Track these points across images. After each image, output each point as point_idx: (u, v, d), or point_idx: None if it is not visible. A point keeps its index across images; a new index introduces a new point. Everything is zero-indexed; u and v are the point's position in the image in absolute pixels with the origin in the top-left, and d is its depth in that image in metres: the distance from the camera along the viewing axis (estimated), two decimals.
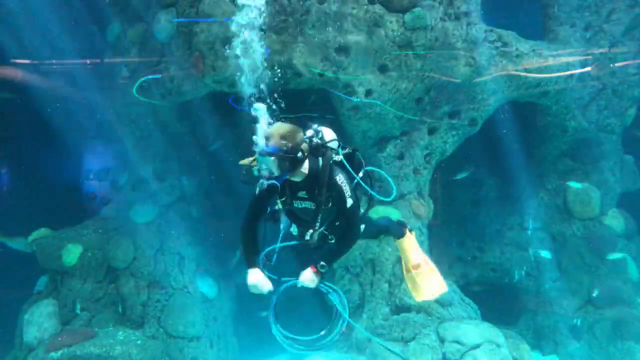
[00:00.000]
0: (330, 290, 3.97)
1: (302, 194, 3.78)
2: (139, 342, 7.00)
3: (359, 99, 6.85)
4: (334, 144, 3.97)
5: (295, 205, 3.85)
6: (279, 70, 6.47)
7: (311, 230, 3.89)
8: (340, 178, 3.75)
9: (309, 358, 7.02)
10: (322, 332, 4.00)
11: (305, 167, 3.68)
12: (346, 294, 7.30)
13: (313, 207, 3.80)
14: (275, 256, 4.19)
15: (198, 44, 6.61)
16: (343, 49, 6.64)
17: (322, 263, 3.83)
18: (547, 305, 8.62)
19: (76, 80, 8.63)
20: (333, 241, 4.05)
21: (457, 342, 6.56)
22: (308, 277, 3.84)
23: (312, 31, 6.52)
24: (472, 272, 9.41)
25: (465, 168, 9.10)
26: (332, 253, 3.96)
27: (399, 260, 7.40)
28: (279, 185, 3.64)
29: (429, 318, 7.03)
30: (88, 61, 8.59)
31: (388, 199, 4.39)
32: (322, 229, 3.93)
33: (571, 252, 8.76)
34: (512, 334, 7.52)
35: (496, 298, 8.98)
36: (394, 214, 7.48)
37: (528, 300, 8.94)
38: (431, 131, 7.71)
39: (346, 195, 3.74)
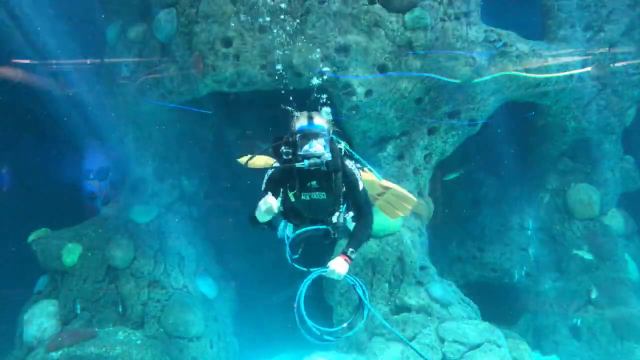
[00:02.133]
0: (356, 283, 3.89)
1: (313, 183, 3.75)
2: (139, 342, 7.00)
3: (359, 99, 6.85)
4: None
5: (303, 197, 3.81)
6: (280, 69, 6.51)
7: (337, 213, 3.86)
8: (350, 162, 3.86)
9: (309, 358, 7.02)
10: (345, 325, 3.96)
11: None
12: (346, 293, 7.30)
13: (323, 197, 3.79)
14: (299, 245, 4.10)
15: (198, 44, 6.61)
16: (343, 49, 6.64)
17: (351, 249, 3.74)
18: (547, 305, 8.61)
19: (76, 80, 8.64)
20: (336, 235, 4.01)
21: (457, 342, 6.56)
22: (339, 265, 3.67)
23: (312, 31, 6.52)
24: (472, 272, 9.41)
25: (455, 169, 9.07)
26: (356, 239, 3.88)
27: (398, 260, 7.41)
28: (324, 165, 3.57)
29: (429, 318, 7.02)
30: (88, 61, 8.60)
31: (379, 177, 4.49)
32: (343, 209, 3.92)
33: (571, 252, 8.76)
34: (512, 334, 7.52)
35: (496, 298, 8.97)
36: None
37: (528, 300, 8.93)
38: (431, 131, 7.70)
39: (358, 178, 3.83)
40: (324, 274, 3.73)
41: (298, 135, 3.65)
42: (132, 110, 7.92)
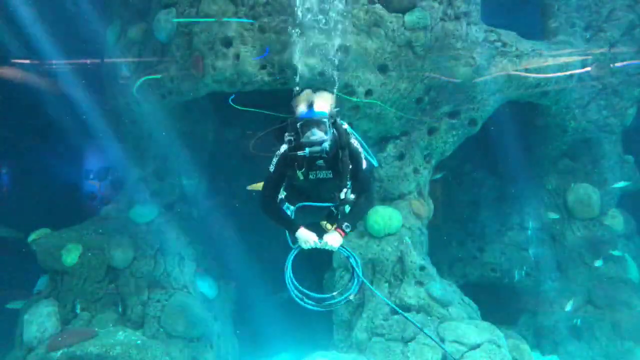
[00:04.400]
0: (350, 254, 4.03)
1: (320, 162, 3.85)
2: (139, 342, 6.99)
3: (359, 99, 6.85)
4: None
5: (311, 177, 3.91)
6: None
7: (345, 189, 4.00)
8: (355, 142, 4.02)
9: (310, 357, 7.02)
10: (335, 293, 4.07)
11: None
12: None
13: (330, 176, 3.90)
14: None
15: (198, 44, 6.61)
16: (343, 49, 6.64)
17: (346, 224, 3.90)
18: (547, 305, 8.61)
19: (76, 80, 8.65)
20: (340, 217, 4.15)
21: (457, 342, 6.56)
22: (334, 238, 3.87)
23: (312, 31, 6.51)
24: (472, 272, 9.41)
25: (439, 170, 9.04)
26: (352, 214, 4.05)
27: (398, 260, 7.41)
28: (327, 150, 3.69)
29: (429, 318, 7.03)
30: (88, 61, 8.60)
31: (375, 163, 4.59)
32: (350, 186, 4.04)
33: (571, 252, 8.76)
34: (512, 334, 7.52)
35: (496, 298, 8.97)
36: (394, 214, 7.49)
37: (528, 300, 8.93)
38: (431, 131, 7.71)
39: (362, 156, 3.99)
40: (318, 246, 3.87)
41: (299, 122, 3.77)
42: (132, 110, 7.92)
